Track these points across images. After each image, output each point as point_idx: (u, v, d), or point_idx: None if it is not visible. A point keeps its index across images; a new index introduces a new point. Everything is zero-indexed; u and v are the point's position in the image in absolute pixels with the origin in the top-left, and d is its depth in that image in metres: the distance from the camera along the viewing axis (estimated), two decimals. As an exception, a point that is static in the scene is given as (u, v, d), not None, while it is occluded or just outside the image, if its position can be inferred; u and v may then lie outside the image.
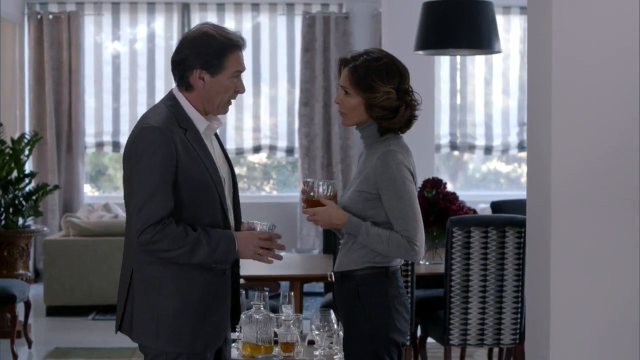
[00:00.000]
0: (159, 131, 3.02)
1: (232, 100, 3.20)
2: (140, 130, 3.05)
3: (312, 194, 3.37)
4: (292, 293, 4.09)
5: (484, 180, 10.87)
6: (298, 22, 10.14)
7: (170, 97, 3.17)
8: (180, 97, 3.15)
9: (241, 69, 3.15)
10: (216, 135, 3.29)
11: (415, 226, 3.29)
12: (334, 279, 3.46)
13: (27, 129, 9.71)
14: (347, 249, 3.41)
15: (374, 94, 3.34)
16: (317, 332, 3.90)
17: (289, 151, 10.30)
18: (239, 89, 3.17)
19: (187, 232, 3.04)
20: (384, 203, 3.31)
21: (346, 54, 3.47)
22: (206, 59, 3.08)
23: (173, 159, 3.02)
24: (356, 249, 3.37)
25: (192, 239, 3.04)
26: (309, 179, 3.43)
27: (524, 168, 10.49)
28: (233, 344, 3.90)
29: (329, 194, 3.38)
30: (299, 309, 5.39)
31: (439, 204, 5.45)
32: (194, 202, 3.08)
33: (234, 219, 3.24)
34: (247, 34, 9.75)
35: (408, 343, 5.05)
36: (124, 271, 3.17)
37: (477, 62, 10.31)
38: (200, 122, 3.15)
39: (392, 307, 3.35)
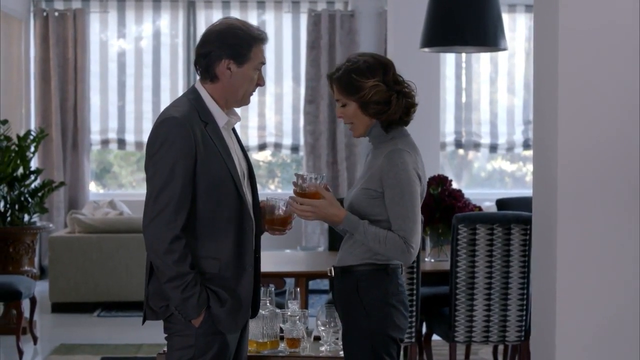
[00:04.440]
0: (179, 122, 3.06)
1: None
2: (162, 121, 3.10)
3: (305, 185, 3.32)
4: (298, 289, 4.09)
5: (489, 178, 10.87)
6: (303, 19, 10.14)
7: (192, 91, 3.22)
8: (203, 91, 3.20)
9: (264, 61, 3.23)
10: (234, 130, 3.32)
11: (412, 227, 3.28)
12: (333, 273, 3.46)
13: (32, 126, 9.72)
14: (349, 244, 3.41)
15: (362, 92, 3.35)
16: (323, 328, 3.91)
17: (294, 149, 10.30)
18: (260, 82, 3.24)
19: (187, 260, 3.05)
20: (386, 200, 3.30)
21: (330, 71, 3.49)
22: (234, 49, 3.15)
23: (192, 150, 3.06)
24: (358, 245, 3.36)
25: (186, 269, 3.05)
26: (301, 172, 3.40)
27: (529, 167, 10.48)
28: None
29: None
30: (305, 305, 5.38)
31: (444, 201, 5.44)
32: (213, 195, 3.10)
33: (254, 213, 3.25)
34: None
35: (413, 340, 5.05)
36: (147, 263, 3.19)
37: (482, 61, 10.31)
38: (220, 116, 3.19)
39: (390, 304, 3.34)
